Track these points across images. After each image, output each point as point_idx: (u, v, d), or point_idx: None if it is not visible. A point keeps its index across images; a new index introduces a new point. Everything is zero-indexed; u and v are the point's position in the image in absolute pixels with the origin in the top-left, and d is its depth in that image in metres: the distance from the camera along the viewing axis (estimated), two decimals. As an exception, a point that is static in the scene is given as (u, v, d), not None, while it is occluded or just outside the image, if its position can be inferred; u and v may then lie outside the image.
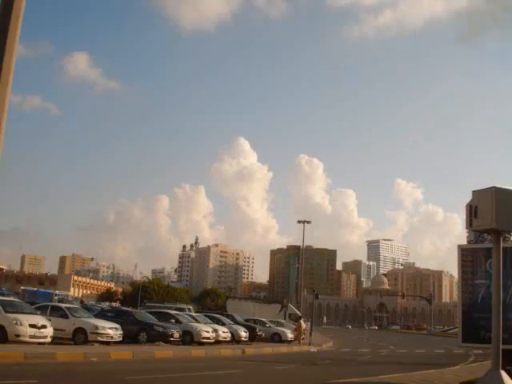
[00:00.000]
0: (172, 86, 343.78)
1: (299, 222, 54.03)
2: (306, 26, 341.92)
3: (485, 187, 8.85)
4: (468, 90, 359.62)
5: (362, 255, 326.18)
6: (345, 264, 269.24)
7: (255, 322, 36.82)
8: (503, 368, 8.88)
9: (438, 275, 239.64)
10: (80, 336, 20.55)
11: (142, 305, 76.89)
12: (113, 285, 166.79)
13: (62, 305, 24.97)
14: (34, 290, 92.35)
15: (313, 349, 32.43)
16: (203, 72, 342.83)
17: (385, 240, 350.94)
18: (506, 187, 8.92)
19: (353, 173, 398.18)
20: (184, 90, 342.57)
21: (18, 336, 17.31)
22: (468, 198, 8.96)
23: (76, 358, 16.27)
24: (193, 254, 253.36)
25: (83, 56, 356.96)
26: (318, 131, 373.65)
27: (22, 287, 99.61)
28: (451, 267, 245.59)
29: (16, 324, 17.37)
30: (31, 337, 17.55)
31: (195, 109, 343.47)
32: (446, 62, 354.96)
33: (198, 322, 28.07)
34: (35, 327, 17.75)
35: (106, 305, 78.12)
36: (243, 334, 30.29)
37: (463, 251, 13.72)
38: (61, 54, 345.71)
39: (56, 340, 19.22)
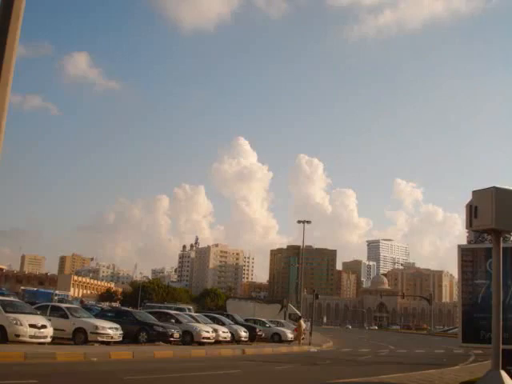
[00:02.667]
0: (172, 85, 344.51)
1: (299, 221, 54.06)
2: (306, 26, 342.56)
3: (485, 187, 8.85)
4: (468, 90, 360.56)
5: (362, 255, 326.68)
6: (345, 264, 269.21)
7: (255, 322, 36.82)
8: (503, 368, 8.87)
9: (437, 275, 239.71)
10: (80, 336, 20.55)
11: (141, 305, 76.96)
12: (113, 285, 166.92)
13: (62, 305, 24.95)
14: (34, 290, 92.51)
15: (313, 349, 32.41)
16: (203, 72, 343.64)
17: (385, 240, 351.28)
18: (506, 187, 8.90)
19: (353, 173, 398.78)
20: (184, 90, 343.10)
21: (18, 336, 17.32)
22: (468, 198, 8.96)
23: (76, 357, 16.26)
24: (193, 254, 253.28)
25: (83, 56, 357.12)
26: (317, 131, 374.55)
27: (22, 287, 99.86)
28: (451, 267, 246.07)
29: (16, 324, 17.38)
30: (31, 337, 17.55)
31: (195, 109, 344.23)
32: (445, 61, 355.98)
33: (198, 321, 28.05)
34: (35, 327, 17.76)
35: (105, 305, 78.20)
36: (243, 334, 30.29)
37: (463, 251, 13.69)
38: (61, 54, 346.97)
39: (56, 340, 19.22)
